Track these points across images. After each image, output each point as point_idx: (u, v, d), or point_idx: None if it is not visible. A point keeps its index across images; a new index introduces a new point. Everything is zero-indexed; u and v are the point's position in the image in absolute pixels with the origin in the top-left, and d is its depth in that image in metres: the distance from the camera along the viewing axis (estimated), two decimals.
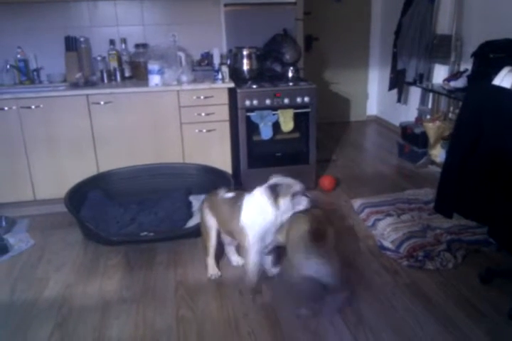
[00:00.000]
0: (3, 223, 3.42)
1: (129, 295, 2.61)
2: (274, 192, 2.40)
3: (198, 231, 3.10)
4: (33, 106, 3.49)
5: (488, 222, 2.72)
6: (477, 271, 2.68)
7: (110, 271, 2.85)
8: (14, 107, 3.47)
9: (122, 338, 2.27)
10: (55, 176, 3.65)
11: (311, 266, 2.27)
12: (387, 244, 3.02)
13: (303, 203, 2.43)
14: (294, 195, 2.41)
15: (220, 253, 3.02)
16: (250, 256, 2.47)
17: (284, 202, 2.39)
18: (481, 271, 2.66)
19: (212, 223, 2.69)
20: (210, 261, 2.76)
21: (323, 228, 2.39)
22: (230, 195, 2.65)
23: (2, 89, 3.77)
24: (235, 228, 2.50)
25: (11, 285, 2.72)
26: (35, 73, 3.97)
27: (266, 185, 2.48)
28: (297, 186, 2.44)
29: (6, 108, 3.45)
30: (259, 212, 2.43)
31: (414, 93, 5.15)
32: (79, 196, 3.42)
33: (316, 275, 2.28)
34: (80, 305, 2.53)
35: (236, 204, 2.52)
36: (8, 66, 3.86)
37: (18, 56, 3.89)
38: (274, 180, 2.51)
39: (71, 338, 2.28)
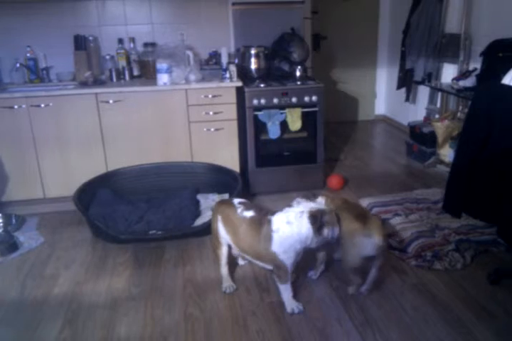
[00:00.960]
0: (13, 221, 3.45)
1: (137, 292, 2.62)
2: (320, 220, 2.23)
3: (206, 230, 3.11)
4: (42, 105, 3.51)
5: (497, 222, 2.71)
6: (486, 272, 2.67)
7: (119, 269, 2.86)
8: (24, 106, 3.49)
9: (131, 335, 2.28)
10: (65, 174, 3.68)
11: (371, 245, 2.38)
12: (395, 243, 3.01)
13: (335, 232, 2.31)
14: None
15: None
16: (287, 282, 2.36)
17: (328, 231, 2.26)
18: (489, 271, 2.65)
19: (225, 237, 2.54)
20: (224, 270, 2.62)
21: (362, 210, 2.53)
22: (250, 214, 2.43)
23: (12, 87, 3.80)
24: (263, 254, 2.35)
25: (21, 283, 2.74)
26: (44, 72, 4.00)
27: (309, 210, 2.26)
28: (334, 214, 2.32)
29: (16, 106, 3.48)
30: (296, 238, 2.26)
31: (423, 92, 5.13)
32: (88, 194, 3.45)
33: (375, 252, 2.40)
34: (89, 302, 2.55)
35: (261, 227, 2.33)
36: (17, 65, 3.89)
37: (28, 55, 3.92)
38: (314, 204, 2.32)
39: (80, 335, 2.29)
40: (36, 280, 2.76)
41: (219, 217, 2.55)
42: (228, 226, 2.51)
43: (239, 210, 2.48)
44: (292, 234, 2.26)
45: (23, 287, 2.70)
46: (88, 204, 3.37)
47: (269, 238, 2.30)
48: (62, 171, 3.67)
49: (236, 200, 2.60)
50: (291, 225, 2.26)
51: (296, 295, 2.48)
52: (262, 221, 2.37)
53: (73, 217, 3.49)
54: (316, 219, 2.22)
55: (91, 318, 2.41)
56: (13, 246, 3.09)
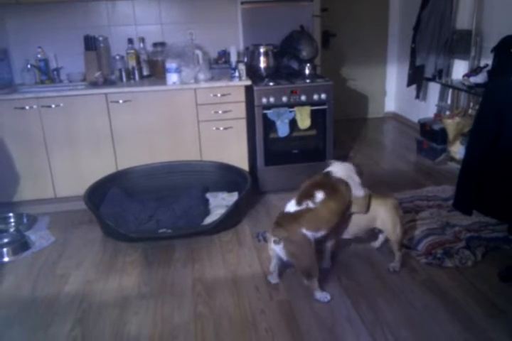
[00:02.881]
0: (25, 220, 3.49)
1: (147, 291, 2.64)
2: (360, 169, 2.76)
3: (216, 228, 3.14)
4: (53, 105, 3.54)
5: (509, 219, 2.69)
6: (497, 269, 2.64)
7: (129, 268, 2.88)
8: (35, 106, 3.52)
9: (141, 334, 2.30)
10: (75, 174, 3.71)
11: None
12: (405, 241, 2.99)
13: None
14: None
15: (236, 251, 3.05)
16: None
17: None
18: (500, 268, 2.63)
19: (317, 236, 2.47)
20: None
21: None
22: (320, 195, 2.46)
23: (23, 88, 3.83)
24: (351, 202, 2.57)
25: (33, 282, 2.77)
26: (55, 72, 4.03)
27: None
28: None
29: (27, 107, 3.51)
30: (353, 175, 2.64)
31: (433, 89, 5.09)
32: (98, 193, 3.47)
33: None
34: (100, 300, 2.57)
35: (339, 186, 2.52)
36: (28, 66, 3.93)
37: (39, 56, 3.95)
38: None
39: (91, 333, 2.31)
40: (47, 279, 2.79)
41: (302, 230, 2.40)
42: (312, 223, 2.43)
43: (307, 204, 2.45)
44: (354, 173, 2.63)
45: (35, 286, 2.73)
46: (99, 204, 3.40)
47: (349, 187, 2.55)
48: (72, 171, 3.70)
49: (286, 210, 2.50)
50: (349, 169, 2.64)
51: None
52: (335, 185, 2.53)
53: (84, 216, 3.52)
54: (359, 167, 2.75)
55: (101, 317, 2.43)
56: (25, 246, 3.13)
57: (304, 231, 2.40)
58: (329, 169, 2.63)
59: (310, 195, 2.47)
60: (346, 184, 2.55)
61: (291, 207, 2.48)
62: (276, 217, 2.49)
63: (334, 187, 2.52)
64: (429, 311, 2.36)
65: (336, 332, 2.25)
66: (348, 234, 2.76)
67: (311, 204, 2.44)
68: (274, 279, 2.65)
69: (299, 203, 2.46)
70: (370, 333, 2.23)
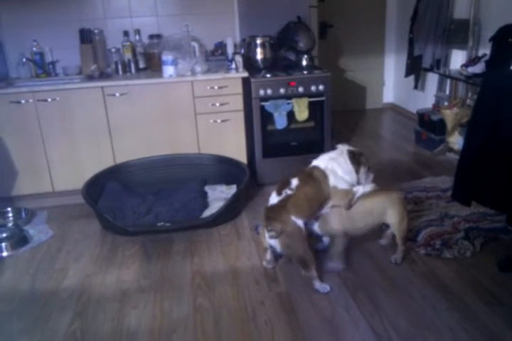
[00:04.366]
0: (23, 214, 3.48)
1: (146, 284, 2.64)
2: (357, 157, 2.62)
3: (214, 221, 3.13)
4: (49, 99, 3.52)
5: (507, 210, 2.69)
6: (496, 259, 2.65)
7: (128, 261, 2.88)
8: (31, 100, 3.50)
9: (140, 327, 2.30)
10: (73, 168, 3.69)
11: None
12: None
13: (370, 177, 2.68)
14: (368, 168, 2.66)
15: (235, 244, 3.05)
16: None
17: (364, 172, 2.63)
18: (499, 259, 2.63)
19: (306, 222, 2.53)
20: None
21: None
22: (294, 182, 2.52)
23: (19, 82, 3.81)
24: (330, 194, 2.53)
25: (32, 276, 2.77)
26: (50, 66, 4.00)
27: (348, 148, 2.65)
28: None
29: (23, 101, 3.49)
30: (343, 169, 2.56)
31: (432, 79, 5.07)
32: (96, 187, 3.47)
33: None
34: (99, 294, 2.57)
35: (314, 175, 2.52)
36: (24, 59, 3.89)
37: (34, 49, 3.92)
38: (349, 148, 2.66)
39: (90, 327, 2.31)
40: (46, 274, 2.79)
41: (292, 218, 2.46)
42: (300, 206, 2.48)
43: (285, 192, 2.50)
44: (339, 166, 2.56)
45: (34, 280, 2.73)
46: (97, 197, 3.39)
47: (325, 177, 2.53)
48: (70, 165, 3.69)
49: (270, 203, 2.54)
50: (336, 160, 2.58)
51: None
52: (310, 172, 2.55)
53: (82, 210, 3.52)
54: (354, 154, 2.61)
55: (100, 310, 2.43)
56: (23, 240, 3.12)
57: (294, 218, 2.45)
58: (314, 162, 2.64)
59: (286, 184, 2.54)
60: (323, 172, 2.54)
61: (273, 199, 2.55)
62: (264, 212, 2.54)
63: (308, 174, 2.56)
64: (428, 301, 2.37)
65: (335, 322, 2.26)
66: (356, 234, 2.72)
67: (289, 191, 2.51)
68: (270, 264, 2.70)
69: (278, 194, 2.53)
70: (369, 324, 2.23)
